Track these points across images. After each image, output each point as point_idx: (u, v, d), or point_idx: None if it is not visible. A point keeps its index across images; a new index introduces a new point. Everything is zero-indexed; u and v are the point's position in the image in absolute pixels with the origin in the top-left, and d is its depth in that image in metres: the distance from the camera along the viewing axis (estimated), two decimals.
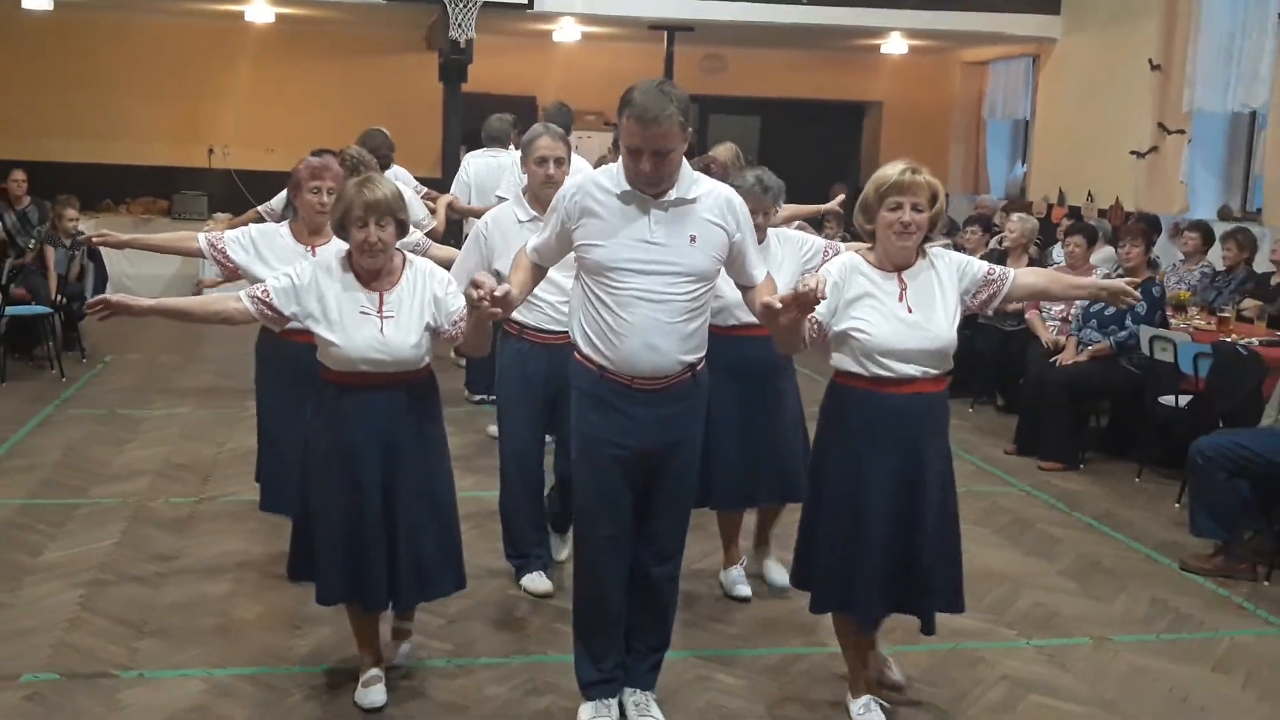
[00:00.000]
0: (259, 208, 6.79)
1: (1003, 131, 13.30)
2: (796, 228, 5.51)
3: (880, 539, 3.64)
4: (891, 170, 3.62)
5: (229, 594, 4.91)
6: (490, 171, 7.64)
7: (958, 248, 9.61)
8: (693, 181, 3.52)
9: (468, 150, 9.03)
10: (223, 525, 5.67)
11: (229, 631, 4.54)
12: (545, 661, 4.38)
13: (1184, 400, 6.86)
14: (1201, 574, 5.57)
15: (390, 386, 3.71)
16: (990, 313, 4.36)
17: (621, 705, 3.80)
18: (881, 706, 3.88)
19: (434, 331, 3.77)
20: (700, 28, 11.35)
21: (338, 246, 4.12)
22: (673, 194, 3.48)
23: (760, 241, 4.54)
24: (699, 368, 3.61)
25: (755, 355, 4.54)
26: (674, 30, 11.52)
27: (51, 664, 4.23)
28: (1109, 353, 7.30)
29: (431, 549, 3.82)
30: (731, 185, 4.56)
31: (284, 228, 4.60)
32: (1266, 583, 5.48)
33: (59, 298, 9.24)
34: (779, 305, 3.31)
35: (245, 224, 6.78)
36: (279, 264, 4.28)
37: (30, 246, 9.51)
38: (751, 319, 4.11)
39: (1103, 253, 8.92)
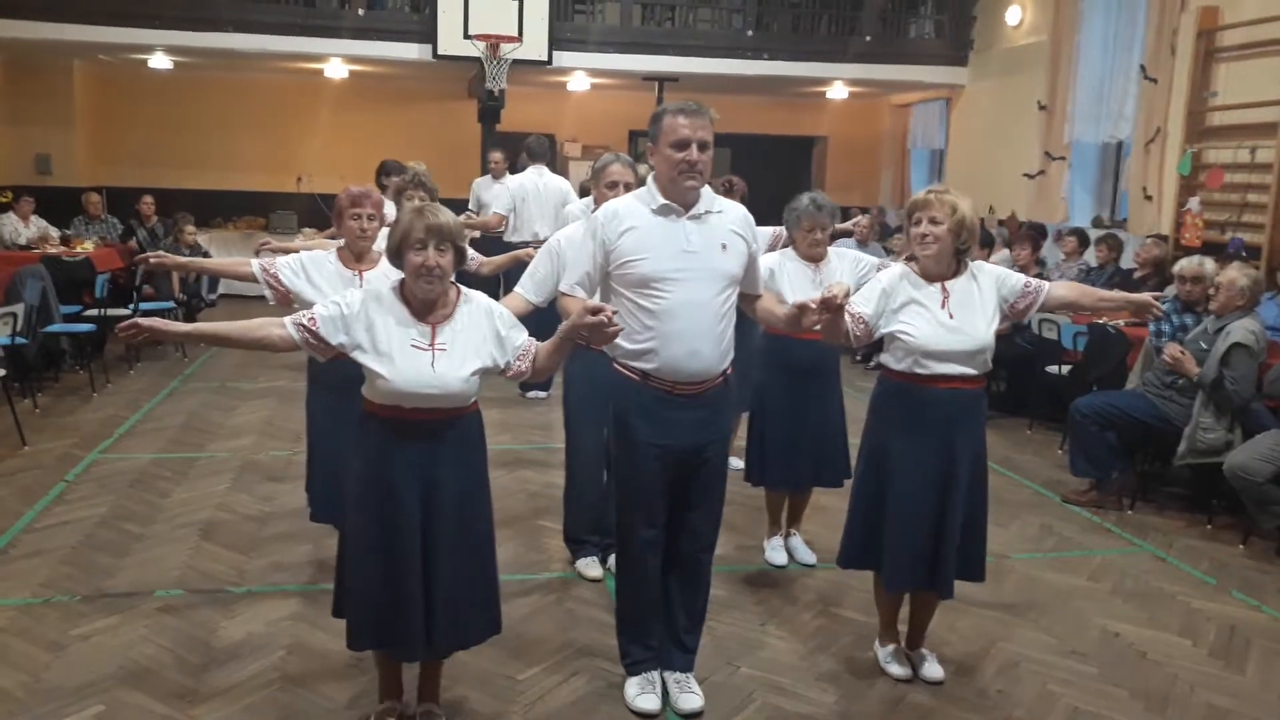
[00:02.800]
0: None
1: (923, 159, 13.21)
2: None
3: (913, 514, 3.37)
4: (918, 194, 3.39)
5: (318, 526, 4.85)
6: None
7: (888, 250, 9.62)
8: (713, 199, 3.21)
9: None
10: None
11: (319, 555, 4.53)
12: (569, 578, 4.39)
13: (1065, 369, 6.87)
14: (1079, 505, 5.59)
15: (437, 423, 2.86)
16: (1026, 321, 3.63)
17: (664, 682, 3.40)
18: (908, 656, 3.67)
19: (496, 370, 2.96)
20: (684, 79, 11.27)
21: (383, 271, 3.53)
22: (701, 208, 3.16)
23: (822, 259, 4.34)
24: (729, 372, 3.25)
25: (809, 356, 4.26)
26: (663, 80, 11.43)
27: (179, 582, 4.23)
28: (1006, 332, 7.27)
29: (469, 595, 2.96)
30: (790, 207, 4.32)
31: (331, 254, 3.86)
32: (1130, 511, 5.50)
33: (180, 295, 9.23)
34: (812, 305, 3.09)
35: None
36: (328, 289, 3.67)
37: None
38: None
39: (1000, 254, 8.88)
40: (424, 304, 2.86)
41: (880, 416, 3.48)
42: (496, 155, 9.09)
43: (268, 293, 3.79)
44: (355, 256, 3.85)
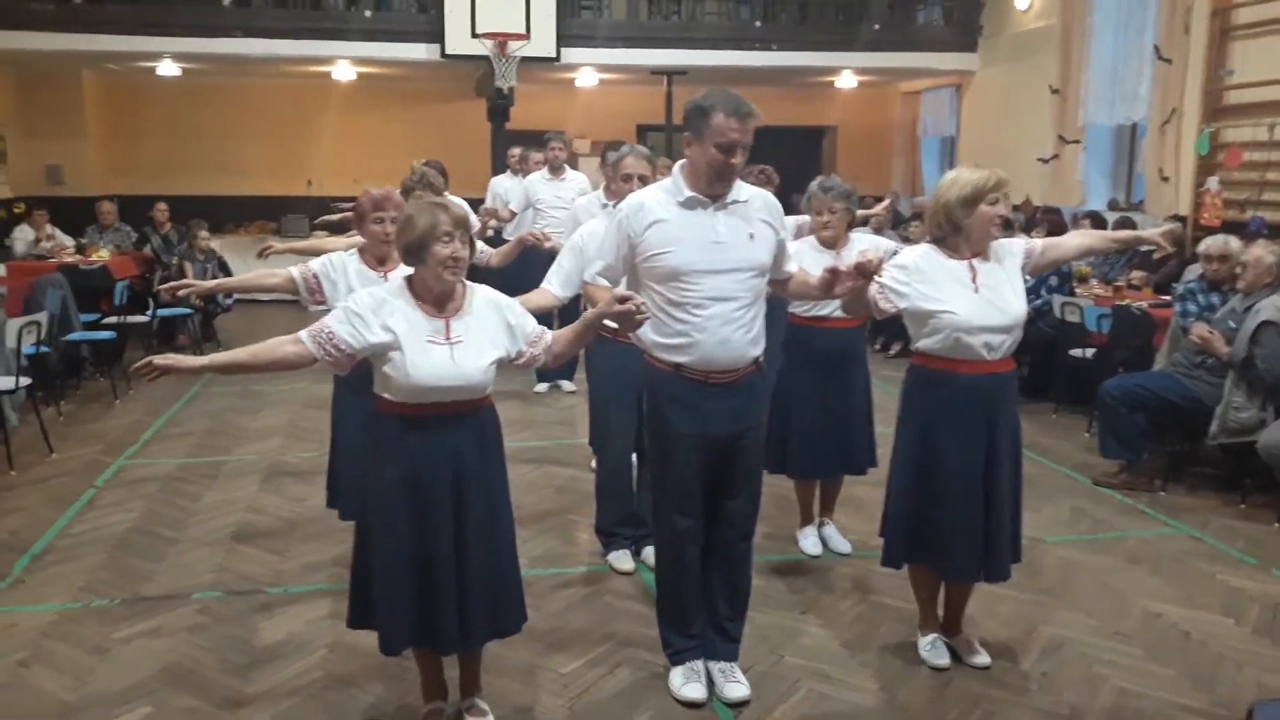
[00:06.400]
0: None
1: (934, 146, 13.19)
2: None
3: (959, 502, 3.33)
4: (977, 175, 3.32)
5: (350, 525, 4.86)
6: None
7: (905, 239, 9.58)
8: (740, 187, 3.17)
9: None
10: None
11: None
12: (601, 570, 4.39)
13: (1089, 352, 6.85)
14: (1110, 487, 5.56)
15: (456, 416, 2.85)
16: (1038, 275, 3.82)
17: (709, 672, 3.38)
18: (946, 645, 3.64)
19: (509, 359, 2.96)
20: (692, 72, 11.27)
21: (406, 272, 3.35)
22: (728, 197, 3.12)
23: (842, 245, 4.33)
24: (760, 360, 3.23)
25: (833, 344, 4.26)
26: (671, 74, 11.43)
27: (215, 584, 4.24)
28: (1028, 317, 7.25)
29: (500, 583, 2.97)
30: (806, 193, 4.42)
31: (352, 257, 3.83)
32: (1163, 493, 5.47)
33: (196, 300, 9.22)
34: (843, 269, 3.07)
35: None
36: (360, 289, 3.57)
37: (173, 262, 9.52)
38: (829, 311, 4.04)
39: (1019, 240, 8.86)
40: (439, 298, 2.85)
41: (918, 408, 3.42)
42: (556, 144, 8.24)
43: (307, 299, 3.78)
44: (378, 260, 3.82)
